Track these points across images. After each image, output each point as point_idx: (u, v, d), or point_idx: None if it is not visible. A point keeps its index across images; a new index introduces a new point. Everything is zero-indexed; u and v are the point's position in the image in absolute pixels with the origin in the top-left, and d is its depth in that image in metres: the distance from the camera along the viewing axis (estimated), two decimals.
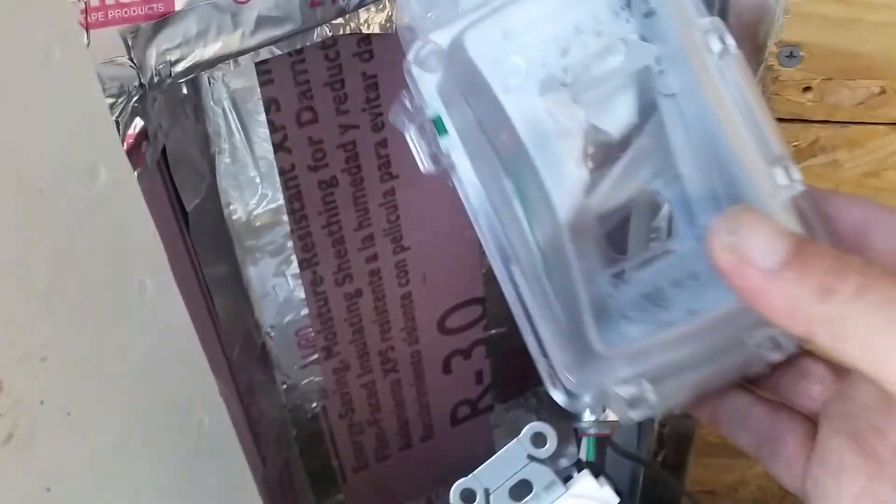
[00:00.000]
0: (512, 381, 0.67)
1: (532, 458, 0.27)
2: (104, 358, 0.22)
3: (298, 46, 0.39)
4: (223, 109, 0.42)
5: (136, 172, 0.33)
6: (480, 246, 0.62)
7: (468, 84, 0.26)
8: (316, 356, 0.55)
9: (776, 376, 0.29)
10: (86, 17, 0.27)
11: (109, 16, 0.28)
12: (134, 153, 0.32)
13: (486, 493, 0.27)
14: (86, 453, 0.21)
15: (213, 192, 0.44)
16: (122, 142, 0.31)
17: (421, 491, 0.68)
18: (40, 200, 0.18)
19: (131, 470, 0.23)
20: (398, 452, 0.64)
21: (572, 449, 0.36)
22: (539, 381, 0.70)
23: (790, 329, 0.22)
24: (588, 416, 0.37)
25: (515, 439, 0.27)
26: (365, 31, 0.41)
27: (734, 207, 0.23)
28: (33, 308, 0.19)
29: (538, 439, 0.28)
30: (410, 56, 0.27)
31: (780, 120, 0.41)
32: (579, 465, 0.29)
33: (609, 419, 0.38)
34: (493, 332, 0.63)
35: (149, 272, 0.23)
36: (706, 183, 0.26)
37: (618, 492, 0.27)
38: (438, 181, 0.57)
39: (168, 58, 0.30)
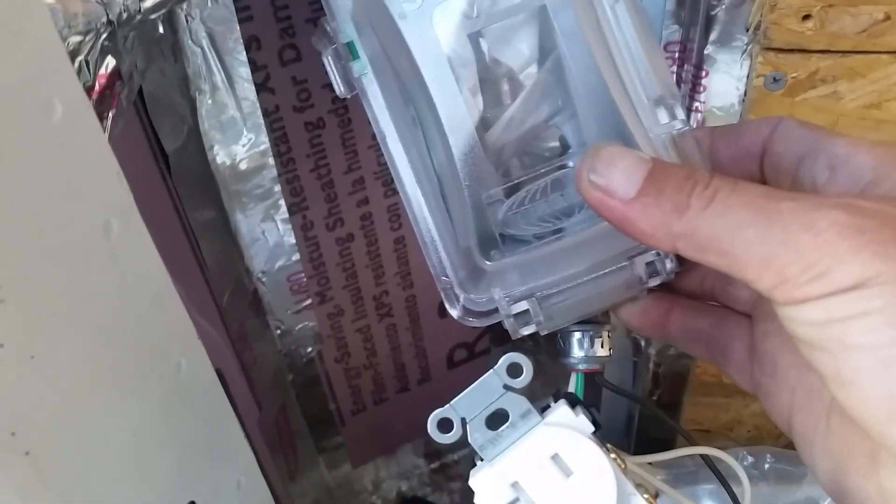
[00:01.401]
0: None
1: (508, 387, 0.27)
2: (69, 300, 0.21)
3: None
4: (202, 49, 0.40)
5: (110, 113, 0.32)
6: None
7: (374, 9, 0.28)
8: (309, 301, 0.55)
9: (712, 283, 0.31)
10: None
11: None
12: (107, 93, 0.31)
13: (463, 422, 0.27)
14: (53, 397, 0.21)
15: (195, 135, 0.43)
16: (94, 81, 0.30)
17: (419, 432, 0.69)
18: None
19: (103, 414, 0.23)
20: (395, 395, 0.65)
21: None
22: None
23: (659, 247, 0.25)
24: (577, 352, 0.37)
25: (492, 370, 0.27)
26: None
27: (594, 144, 0.25)
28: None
29: (514, 369, 0.27)
30: None
31: (779, 50, 0.40)
32: (556, 396, 0.29)
33: (598, 355, 0.38)
34: None
35: (114, 211, 0.22)
36: (598, 122, 0.28)
37: (594, 422, 0.27)
38: None
39: None
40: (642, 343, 0.57)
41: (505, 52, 0.29)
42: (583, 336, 0.39)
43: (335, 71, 0.29)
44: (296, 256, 0.52)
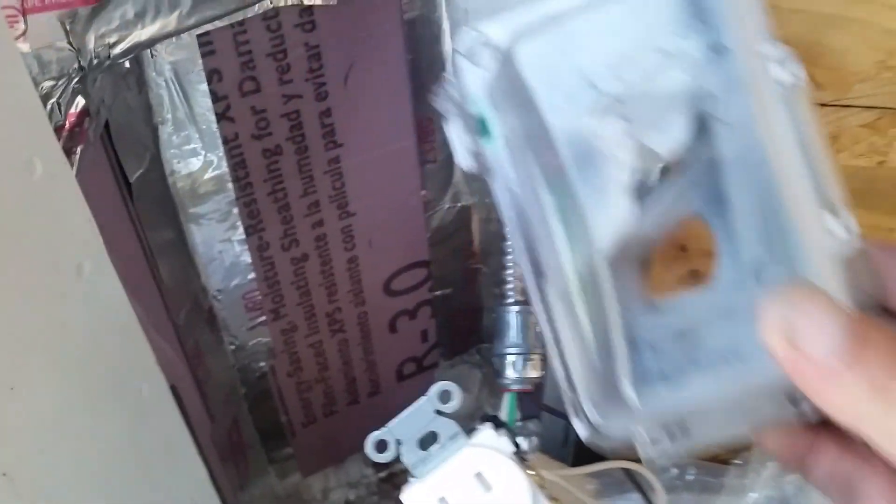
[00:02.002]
0: (457, 338, 0.71)
1: (439, 412, 0.30)
2: (45, 334, 0.24)
3: (240, 19, 0.41)
4: (165, 80, 0.43)
5: (79, 148, 0.35)
6: (425, 211, 0.65)
7: (516, 93, 0.25)
8: (263, 318, 0.58)
9: None
10: (22, 4, 0.28)
11: (46, 1, 0.29)
12: (76, 130, 0.34)
13: (398, 443, 0.30)
14: (29, 423, 0.23)
15: (156, 162, 0.45)
16: (65, 121, 0.32)
17: None
18: None
19: (74, 436, 0.25)
20: (346, 408, 0.68)
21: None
22: (483, 339, 0.74)
23: (839, 420, 0.21)
24: (510, 373, 0.41)
25: (424, 396, 0.31)
26: (307, 2, 0.43)
27: (788, 286, 0.22)
28: None
29: (445, 396, 0.31)
30: (457, 44, 0.25)
31: None
32: (484, 419, 0.32)
33: (530, 376, 0.42)
34: (438, 293, 0.66)
35: (86, 254, 0.25)
36: (755, 218, 0.25)
37: (515, 444, 0.30)
38: (383, 149, 0.59)
39: (106, 40, 0.31)
40: None
41: (654, 138, 0.25)
42: (516, 358, 0.42)
43: (459, 141, 0.26)
44: (251, 275, 0.55)
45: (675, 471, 0.54)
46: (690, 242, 0.51)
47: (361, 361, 0.66)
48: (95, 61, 0.32)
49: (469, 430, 0.31)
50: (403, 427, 0.31)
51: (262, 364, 0.60)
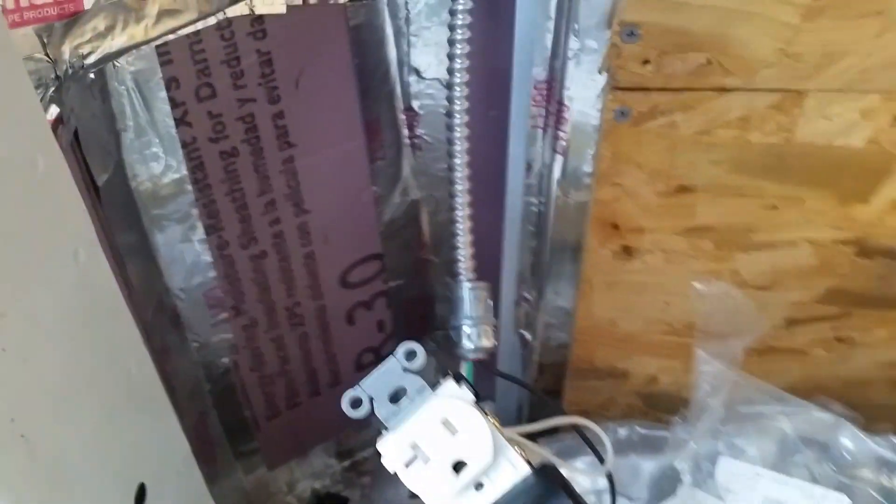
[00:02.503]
0: (412, 327, 0.74)
1: (406, 370, 0.34)
2: (48, 313, 0.27)
3: (198, 29, 0.44)
4: (127, 90, 0.46)
5: None
6: (376, 206, 0.69)
7: None
8: (225, 315, 0.61)
9: None
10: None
11: (24, 17, 0.32)
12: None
13: (371, 399, 0.34)
14: (41, 392, 0.26)
15: (120, 168, 0.48)
16: None
17: (331, 433, 0.75)
18: None
19: (77, 407, 0.28)
20: (308, 399, 0.71)
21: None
22: (436, 326, 0.79)
23: None
24: (467, 344, 0.45)
25: (391, 355, 0.34)
26: (258, 11, 0.46)
27: None
28: None
29: (411, 355, 0.34)
30: None
31: (625, 89, 0.49)
32: (445, 374, 0.36)
33: (484, 346, 0.46)
34: (392, 284, 0.69)
35: (81, 242, 0.28)
36: None
37: (475, 393, 0.34)
38: (334, 148, 0.62)
39: (80, 51, 0.34)
40: (528, 337, 0.65)
41: None
42: (471, 330, 0.46)
43: None
44: (212, 273, 0.58)
45: (621, 431, 0.59)
46: (621, 221, 0.56)
47: (321, 353, 0.69)
48: (70, 71, 0.35)
49: (433, 385, 0.35)
50: (375, 385, 0.34)
51: (226, 360, 0.63)
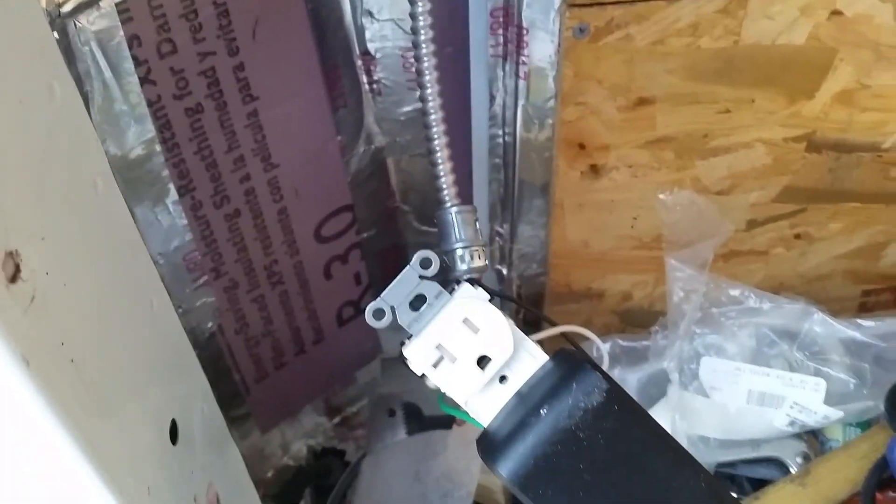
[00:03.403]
0: (387, 278, 0.76)
1: (423, 277, 0.36)
2: (78, 241, 0.28)
3: None
4: (90, 50, 0.46)
5: None
6: (342, 156, 0.70)
7: None
8: (205, 278, 0.61)
9: None
10: None
11: None
12: None
13: (392, 309, 0.36)
14: (80, 317, 0.27)
15: None
16: None
17: (319, 391, 0.77)
18: (21, 109, 0.24)
19: (114, 336, 0.29)
20: (294, 358, 0.72)
21: None
22: None
23: None
24: (461, 266, 0.47)
25: (408, 266, 0.36)
26: None
27: None
28: (29, 196, 0.24)
29: (426, 262, 0.36)
30: None
31: (581, 5, 0.51)
32: (460, 281, 0.38)
33: (477, 266, 0.48)
34: (364, 235, 0.71)
35: (99, 172, 0.29)
36: None
37: (490, 293, 0.36)
38: (296, 97, 0.63)
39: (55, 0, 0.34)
40: (504, 271, 0.68)
41: None
42: (463, 252, 0.48)
43: None
44: (189, 236, 0.58)
45: (604, 346, 0.62)
46: (587, 139, 0.58)
47: (303, 311, 0.70)
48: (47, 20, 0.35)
49: (450, 290, 0.37)
50: (394, 294, 0.36)
51: (210, 325, 0.64)
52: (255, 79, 0.56)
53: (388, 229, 0.74)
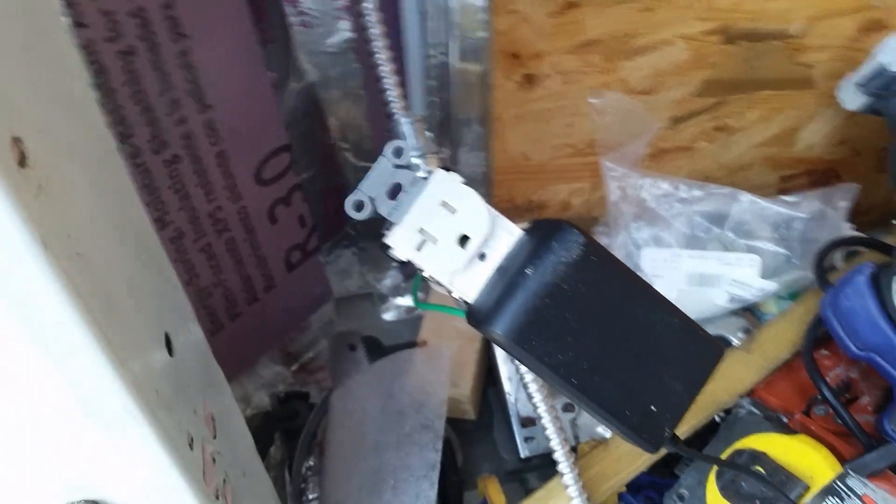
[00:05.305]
0: (330, 219, 0.77)
1: (397, 166, 0.38)
2: (69, 139, 0.28)
3: None
4: None
5: None
6: (276, 94, 0.71)
7: None
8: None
9: None
10: None
11: None
12: None
13: (371, 199, 0.37)
14: (83, 217, 0.28)
15: None
16: None
17: (275, 339, 0.78)
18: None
19: (110, 239, 0.30)
20: (247, 308, 0.73)
21: None
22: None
23: None
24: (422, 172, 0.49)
25: (381, 156, 0.38)
26: None
27: None
28: (25, 87, 0.25)
29: (398, 151, 0.38)
30: None
31: None
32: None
33: None
34: (303, 175, 0.72)
35: (76, 76, 0.30)
36: None
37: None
38: (223, 32, 0.64)
39: None
40: None
41: None
42: (419, 161, 0.50)
43: None
44: None
45: None
46: (521, 49, 0.61)
47: (251, 258, 0.71)
48: None
49: (425, 178, 0.39)
50: (371, 185, 0.38)
51: None
52: (184, 15, 0.56)
53: (326, 169, 0.75)
